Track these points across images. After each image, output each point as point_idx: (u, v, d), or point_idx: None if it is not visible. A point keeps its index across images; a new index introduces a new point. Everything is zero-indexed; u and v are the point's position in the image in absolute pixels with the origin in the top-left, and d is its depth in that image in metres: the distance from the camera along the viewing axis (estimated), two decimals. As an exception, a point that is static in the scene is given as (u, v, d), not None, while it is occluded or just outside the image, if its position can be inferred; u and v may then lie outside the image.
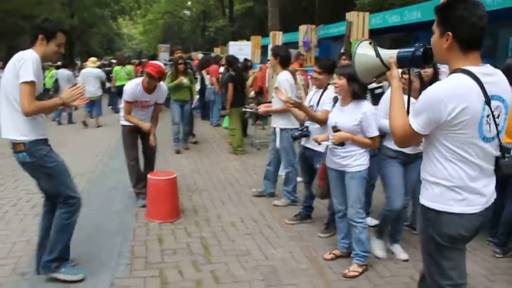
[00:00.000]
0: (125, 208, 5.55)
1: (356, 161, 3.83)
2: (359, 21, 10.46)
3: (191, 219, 5.21)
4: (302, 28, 13.19)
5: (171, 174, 5.34)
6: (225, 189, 6.48)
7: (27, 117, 3.30)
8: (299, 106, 4.45)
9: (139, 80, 5.51)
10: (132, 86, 5.42)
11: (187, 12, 41.55)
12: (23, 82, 3.21)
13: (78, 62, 17.35)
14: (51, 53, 3.46)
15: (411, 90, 2.70)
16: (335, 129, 3.84)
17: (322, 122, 4.40)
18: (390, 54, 2.52)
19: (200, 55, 17.94)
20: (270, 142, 6.22)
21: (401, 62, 2.48)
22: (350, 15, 10.55)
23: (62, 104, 3.56)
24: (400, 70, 2.52)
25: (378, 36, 10.75)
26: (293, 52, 12.90)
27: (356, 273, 3.86)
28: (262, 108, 5.96)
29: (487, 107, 2.12)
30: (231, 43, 18.59)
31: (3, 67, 13.00)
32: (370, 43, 2.62)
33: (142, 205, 5.46)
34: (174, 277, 3.80)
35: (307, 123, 4.74)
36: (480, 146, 2.17)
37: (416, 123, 2.18)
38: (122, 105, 5.62)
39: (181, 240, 4.58)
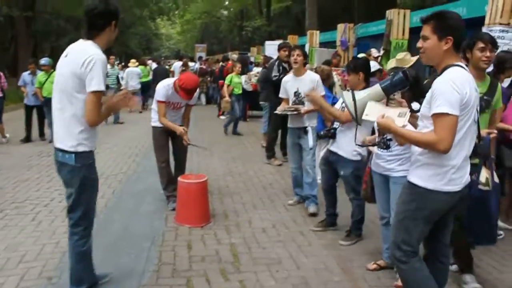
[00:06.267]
0: (155, 210, 5.45)
1: (401, 165, 3.56)
2: (399, 19, 10.04)
3: (221, 224, 5.06)
4: (340, 27, 12.87)
5: (202, 177, 5.19)
6: (258, 192, 6.31)
7: (89, 127, 3.09)
8: (313, 100, 4.25)
9: (170, 81, 5.38)
10: (165, 86, 5.29)
11: (225, 12, 41.70)
12: (93, 91, 2.92)
13: (117, 62, 17.50)
14: (113, 38, 3.18)
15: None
16: (379, 131, 3.61)
17: (342, 120, 4.27)
18: (363, 95, 3.09)
19: (235, 56, 17.84)
20: (292, 145, 5.69)
21: (387, 90, 3.05)
22: (390, 13, 10.16)
23: (113, 109, 3.32)
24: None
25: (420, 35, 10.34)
26: (329, 51, 12.71)
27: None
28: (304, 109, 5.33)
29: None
30: (267, 42, 18.43)
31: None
32: (348, 90, 3.27)
33: (172, 208, 5.35)
34: (201, 286, 3.66)
35: (336, 125, 4.54)
36: (474, 128, 2.65)
37: (452, 108, 2.46)
38: (154, 105, 5.52)
39: (210, 247, 4.44)
